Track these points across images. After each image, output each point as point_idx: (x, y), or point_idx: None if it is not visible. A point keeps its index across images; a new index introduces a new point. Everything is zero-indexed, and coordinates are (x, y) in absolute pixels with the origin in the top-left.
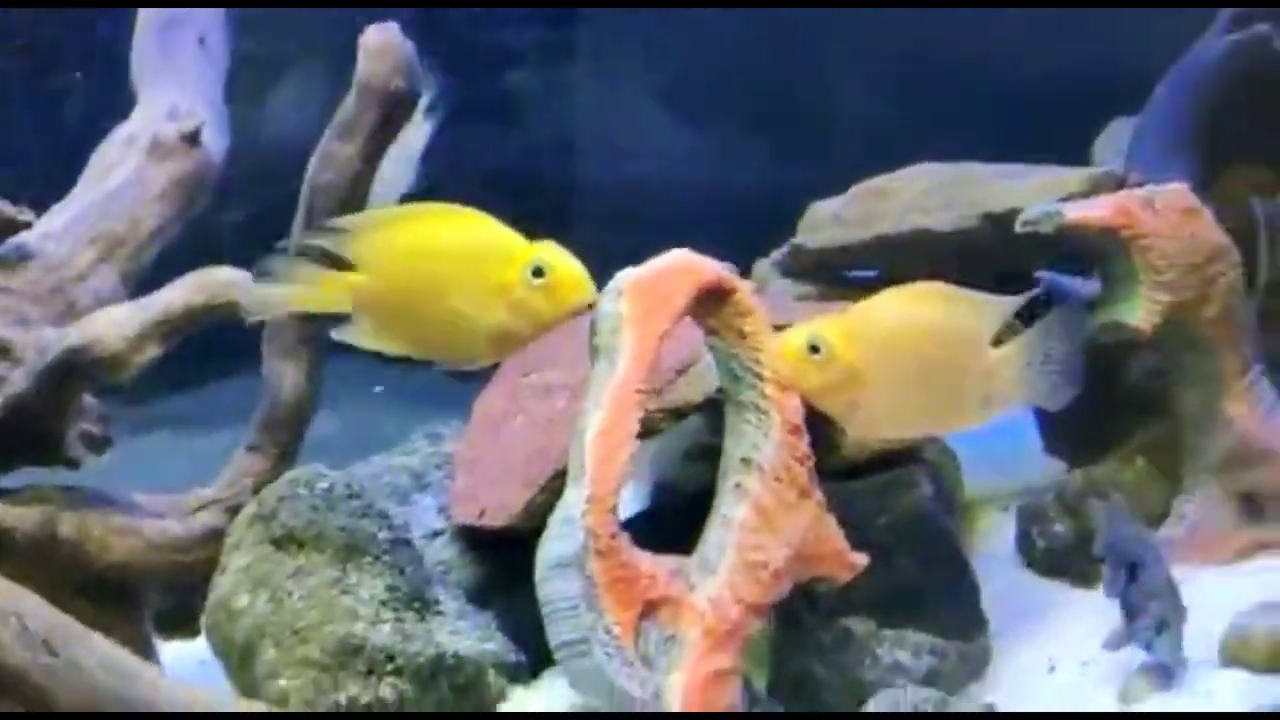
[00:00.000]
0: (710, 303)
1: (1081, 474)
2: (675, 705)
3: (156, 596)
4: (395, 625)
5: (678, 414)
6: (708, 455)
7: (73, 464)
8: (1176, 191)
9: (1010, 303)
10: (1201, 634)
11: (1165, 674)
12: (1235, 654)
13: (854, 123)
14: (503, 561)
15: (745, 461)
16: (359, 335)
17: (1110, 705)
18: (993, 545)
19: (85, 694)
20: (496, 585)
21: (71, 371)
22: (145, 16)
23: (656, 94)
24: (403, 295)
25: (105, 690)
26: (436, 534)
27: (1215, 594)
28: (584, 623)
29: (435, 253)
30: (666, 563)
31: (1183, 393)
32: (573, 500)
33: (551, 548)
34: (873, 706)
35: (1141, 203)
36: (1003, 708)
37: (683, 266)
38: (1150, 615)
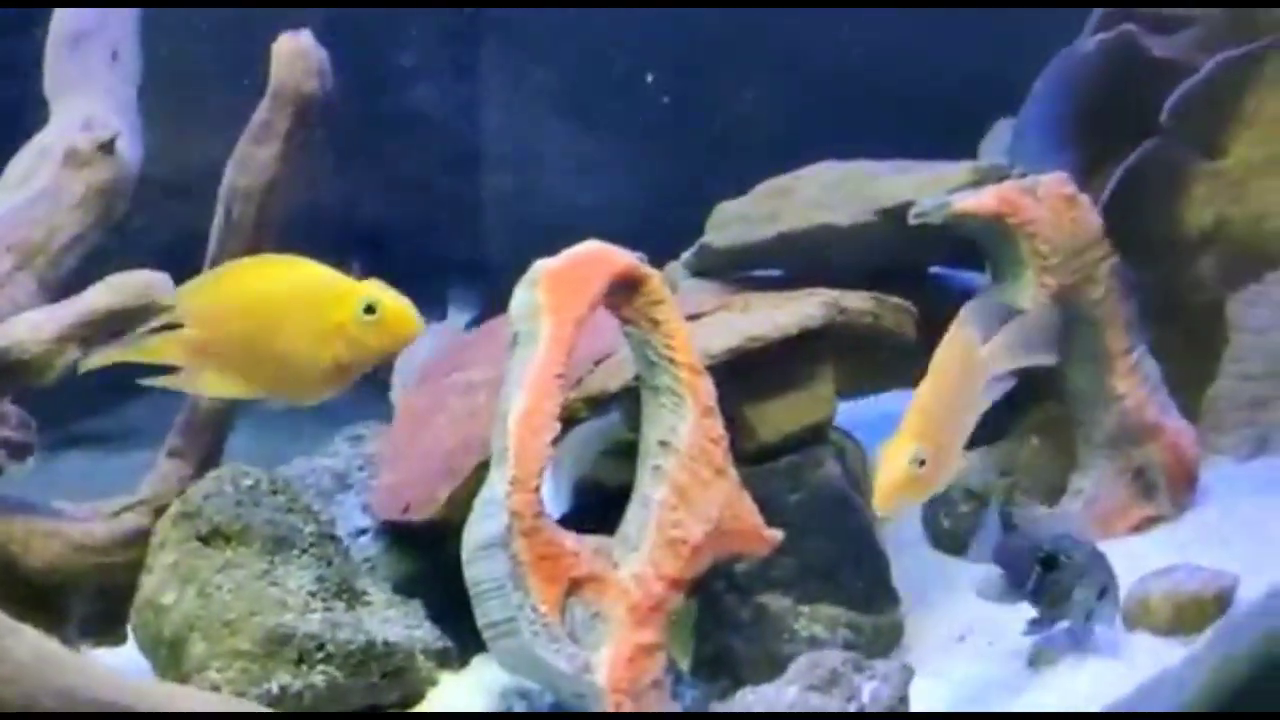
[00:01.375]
0: (624, 292)
1: (980, 456)
2: (603, 679)
3: (82, 603)
4: (324, 615)
5: (596, 402)
6: (627, 451)
7: None
8: (1056, 180)
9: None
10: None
11: (1072, 639)
12: (1137, 618)
13: (759, 124)
14: (428, 554)
15: (663, 444)
16: (191, 384)
17: (1020, 671)
18: (901, 527)
19: (16, 682)
20: (423, 577)
21: None
22: (57, 29)
23: (561, 104)
24: (235, 343)
25: (36, 677)
26: (362, 531)
27: (1114, 565)
28: (511, 602)
29: (266, 300)
30: (590, 542)
31: (1072, 372)
32: (496, 482)
33: (477, 529)
34: (793, 670)
35: (1024, 191)
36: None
37: (596, 256)
38: (1086, 589)
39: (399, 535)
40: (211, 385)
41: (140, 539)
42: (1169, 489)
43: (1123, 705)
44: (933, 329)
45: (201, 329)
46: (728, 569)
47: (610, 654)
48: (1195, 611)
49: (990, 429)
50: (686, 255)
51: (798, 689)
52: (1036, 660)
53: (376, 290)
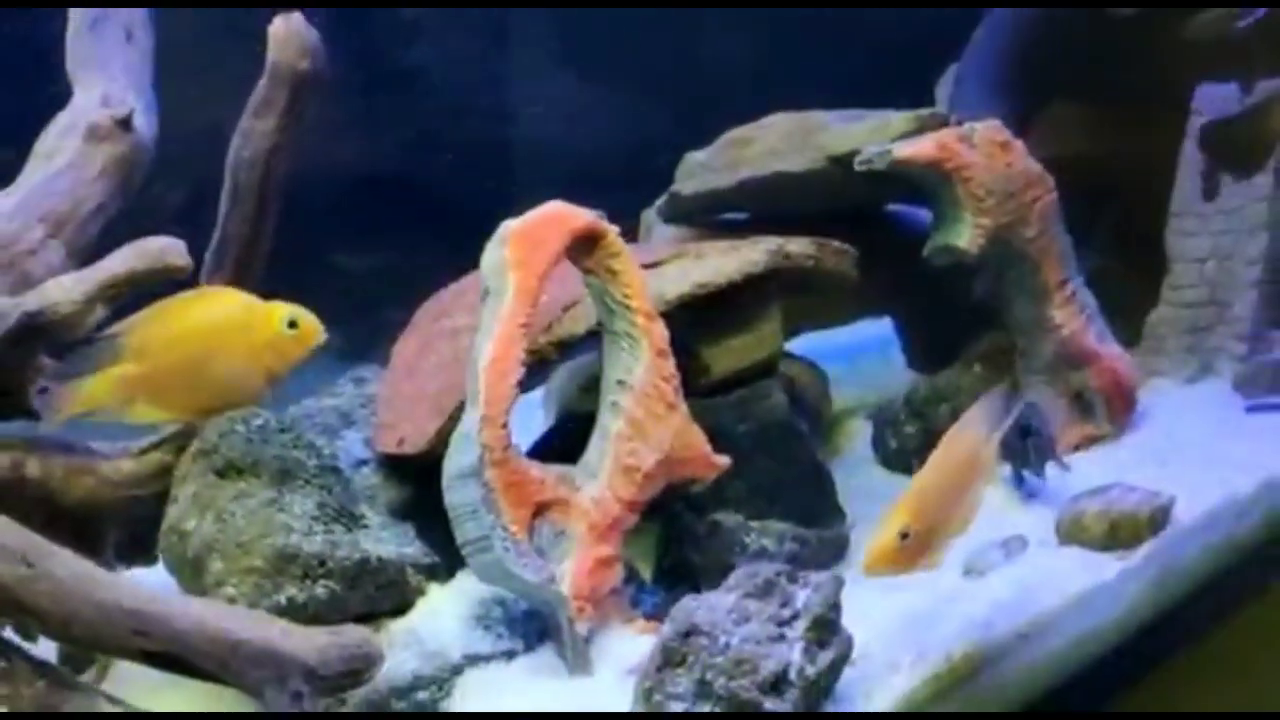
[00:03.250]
0: (585, 246)
1: (926, 381)
2: (567, 587)
3: (116, 531)
4: (325, 536)
5: (563, 345)
6: (599, 387)
7: (33, 416)
8: (991, 127)
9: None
10: (1040, 519)
11: (1006, 552)
12: (1070, 534)
13: (728, 78)
14: (421, 482)
15: (620, 383)
16: (136, 417)
17: (956, 578)
18: (855, 449)
19: (58, 598)
20: (416, 503)
21: (29, 334)
22: (76, 15)
23: (554, 59)
24: (178, 370)
25: (76, 594)
26: (363, 463)
27: (1052, 482)
28: (484, 523)
29: (201, 328)
30: (554, 470)
31: (1012, 304)
32: (470, 420)
33: (454, 461)
34: (733, 579)
35: (960, 138)
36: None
37: (556, 215)
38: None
39: (395, 466)
40: (146, 415)
41: (165, 474)
42: (1107, 411)
43: (1058, 614)
44: (887, 261)
45: (139, 364)
46: (685, 492)
47: (573, 566)
48: (1130, 529)
49: (938, 359)
50: (659, 202)
51: (736, 596)
52: (970, 569)
53: (292, 309)
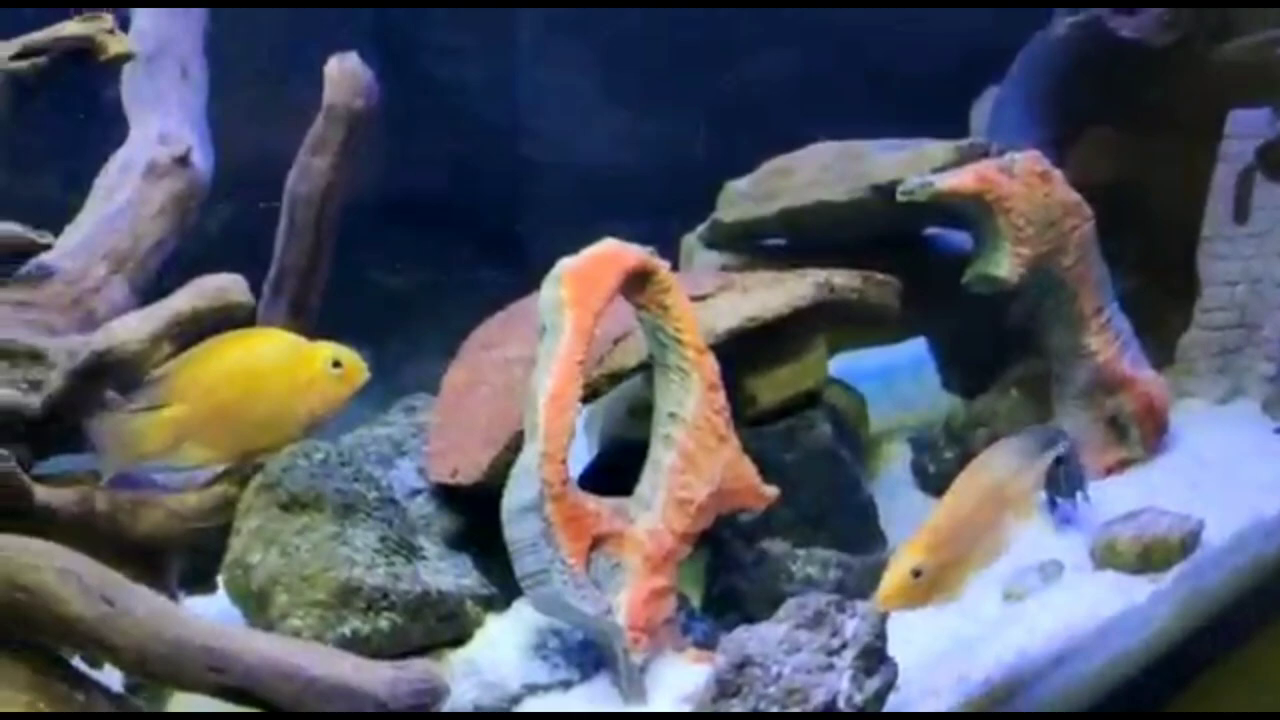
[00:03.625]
0: (637, 283)
1: (964, 406)
2: (623, 619)
3: (179, 561)
4: (387, 569)
5: (615, 377)
6: (647, 410)
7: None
8: (1031, 158)
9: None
10: (1075, 545)
11: (1043, 576)
12: (1104, 559)
13: (764, 104)
14: (475, 512)
15: (672, 416)
16: (185, 459)
17: (996, 603)
18: (894, 472)
19: (137, 634)
20: (471, 532)
21: (98, 371)
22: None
23: (597, 86)
24: (224, 411)
25: (153, 630)
26: (417, 492)
27: (1084, 508)
28: (544, 557)
29: (245, 369)
30: (609, 503)
31: (1049, 331)
32: (530, 455)
33: (514, 496)
34: (783, 611)
35: (1001, 170)
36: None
37: (611, 255)
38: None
39: (449, 495)
40: (194, 457)
41: (228, 507)
42: (1141, 434)
43: (1091, 637)
44: (925, 286)
45: (186, 406)
46: (733, 520)
47: (628, 598)
48: (1162, 553)
49: (974, 382)
50: (701, 229)
51: (787, 627)
52: (1009, 595)
53: (336, 349)
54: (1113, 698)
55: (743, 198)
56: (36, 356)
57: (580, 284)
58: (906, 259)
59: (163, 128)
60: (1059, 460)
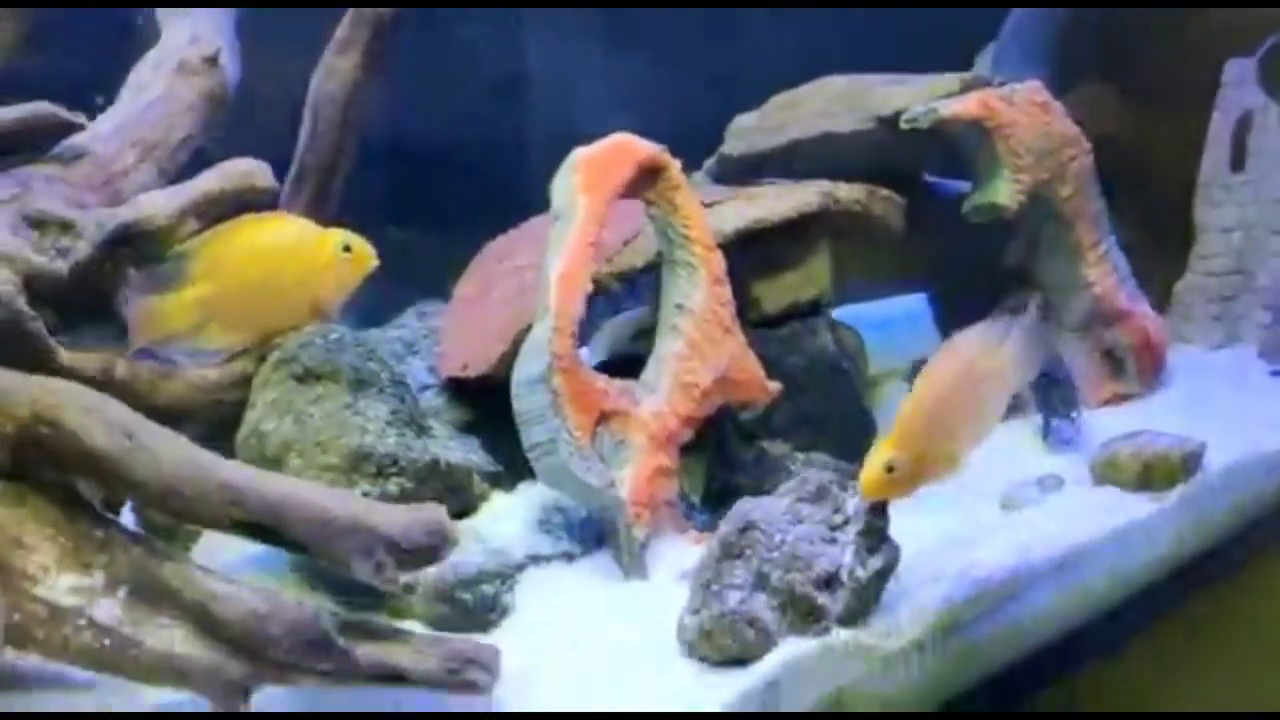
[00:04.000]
0: (648, 178)
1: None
2: (626, 492)
3: (196, 433)
4: (398, 438)
5: (624, 276)
6: (649, 334)
7: (124, 328)
8: (1031, 88)
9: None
10: (1073, 463)
11: (1042, 489)
12: (1104, 474)
13: (768, 59)
14: (482, 404)
15: (678, 307)
16: (208, 341)
17: (994, 512)
18: (889, 408)
19: (158, 469)
20: (478, 423)
21: (125, 241)
22: None
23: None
24: (244, 292)
25: (174, 465)
26: (427, 387)
27: (1083, 430)
28: (551, 427)
29: (262, 252)
30: (617, 383)
31: (1047, 262)
32: (540, 331)
33: (524, 369)
34: (785, 487)
35: (1001, 98)
36: (899, 523)
37: (624, 144)
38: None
39: (458, 389)
40: (217, 339)
41: (245, 382)
42: (1138, 368)
43: (1095, 547)
44: (924, 229)
45: (207, 286)
46: (735, 419)
47: (631, 473)
48: (1164, 470)
49: (971, 314)
50: (708, 164)
51: (790, 499)
52: (1007, 505)
53: (346, 234)
54: (1112, 614)
55: (750, 131)
56: (66, 226)
57: (594, 170)
58: (909, 196)
59: (193, 32)
60: (1051, 379)
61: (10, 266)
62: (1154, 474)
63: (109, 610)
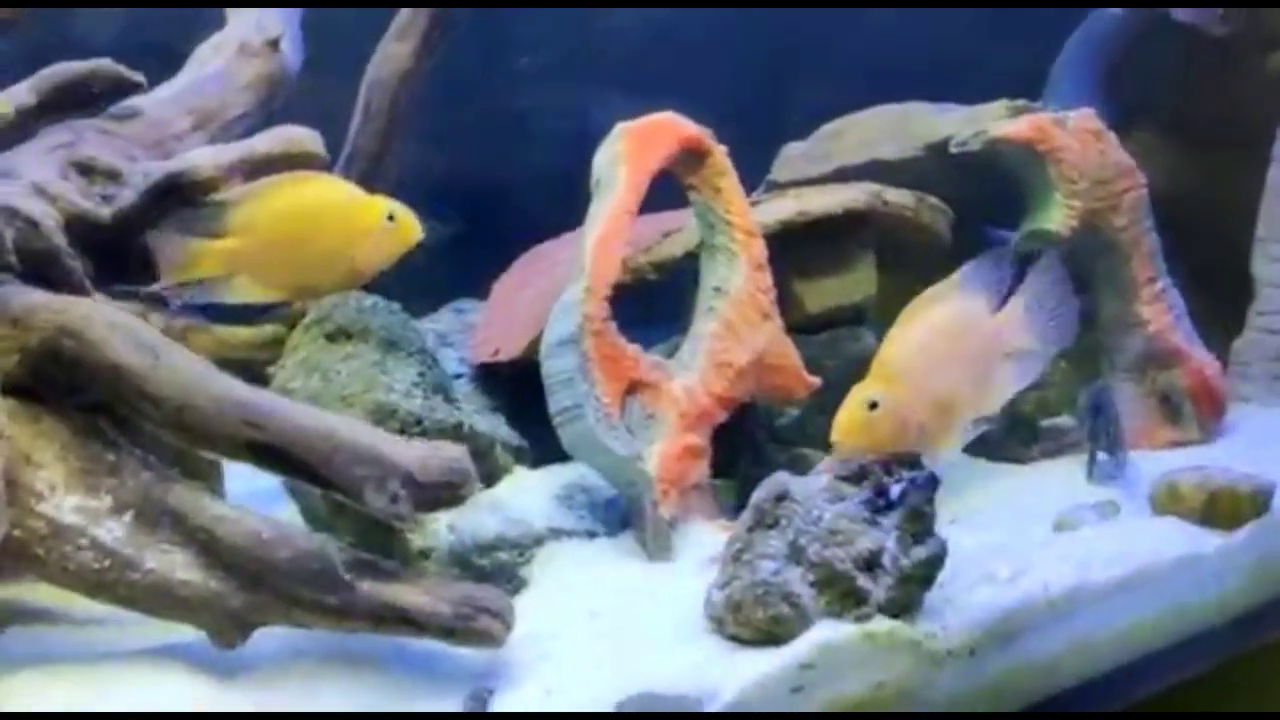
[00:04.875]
0: (692, 161)
1: None
2: (653, 468)
3: None
4: (424, 400)
5: (663, 266)
6: None
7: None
8: (1085, 115)
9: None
10: (1131, 496)
11: (1099, 514)
12: (1165, 504)
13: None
14: (511, 391)
15: (716, 290)
16: (235, 293)
17: (1046, 531)
18: None
19: (178, 385)
20: (506, 409)
21: (170, 191)
22: None
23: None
24: (278, 247)
25: (194, 383)
26: (458, 376)
27: (1138, 469)
28: (578, 391)
29: (303, 210)
30: (650, 356)
31: (1099, 298)
32: (573, 292)
33: (554, 329)
34: (823, 464)
35: (1054, 122)
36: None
37: (668, 121)
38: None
39: (488, 377)
40: (244, 291)
41: (277, 344)
42: (1197, 414)
43: (1161, 573)
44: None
45: (242, 238)
46: (770, 423)
47: (660, 449)
48: (1229, 504)
49: None
50: (756, 194)
51: (829, 478)
52: (1061, 525)
53: (392, 203)
54: (1177, 647)
55: (798, 158)
56: (114, 175)
57: (637, 142)
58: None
59: (258, 19)
60: (1096, 409)
61: (54, 205)
62: (1219, 508)
63: (112, 532)
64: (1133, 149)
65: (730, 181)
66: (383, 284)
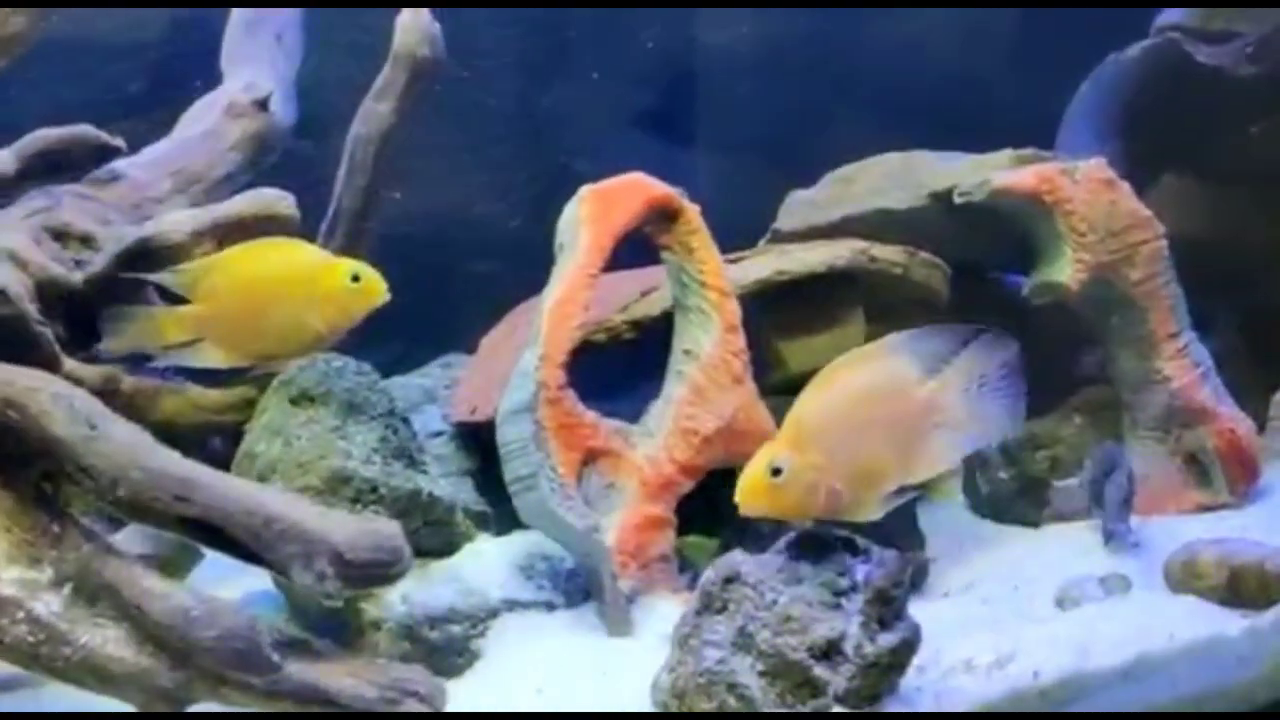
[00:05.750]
0: (664, 221)
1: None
2: (612, 539)
3: (194, 450)
4: (382, 466)
5: (639, 325)
6: None
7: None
8: (1095, 165)
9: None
10: (1145, 568)
11: (1105, 589)
12: (1181, 580)
13: (828, 132)
14: (488, 452)
15: (687, 352)
16: (202, 358)
17: (1047, 606)
18: (947, 496)
19: (114, 459)
20: (483, 469)
21: (141, 256)
22: (234, 17)
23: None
24: (239, 315)
25: (129, 456)
26: (438, 434)
27: (1160, 537)
28: (532, 460)
29: (265, 275)
30: (610, 423)
31: (1117, 354)
32: (528, 358)
33: (509, 397)
34: (783, 541)
35: (1061, 172)
36: (937, 612)
37: (634, 182)
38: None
39: (466, 436)
40: (210, 357)
41: (247, 406)
42: (1226, 476)
43: (1169, 664)
44: (985, 317)
45: (207, 305)
46: None
47: (620, 520)
48: (1255, 582)
49: (1034, 402)
50: (762, 242)
51: (786, 557)
52: (1063, 600)
53: (356, 264)
54: None
55: (805, 206)
56: (87, 240)
57: (600, 203)
58: (966, 286)
59: (250, 79)
60: (1105, 472)
61: (25, 271)
62: (1243, 585)
63: (49, 605)
64: (1165, 195)
65: (703, 241)
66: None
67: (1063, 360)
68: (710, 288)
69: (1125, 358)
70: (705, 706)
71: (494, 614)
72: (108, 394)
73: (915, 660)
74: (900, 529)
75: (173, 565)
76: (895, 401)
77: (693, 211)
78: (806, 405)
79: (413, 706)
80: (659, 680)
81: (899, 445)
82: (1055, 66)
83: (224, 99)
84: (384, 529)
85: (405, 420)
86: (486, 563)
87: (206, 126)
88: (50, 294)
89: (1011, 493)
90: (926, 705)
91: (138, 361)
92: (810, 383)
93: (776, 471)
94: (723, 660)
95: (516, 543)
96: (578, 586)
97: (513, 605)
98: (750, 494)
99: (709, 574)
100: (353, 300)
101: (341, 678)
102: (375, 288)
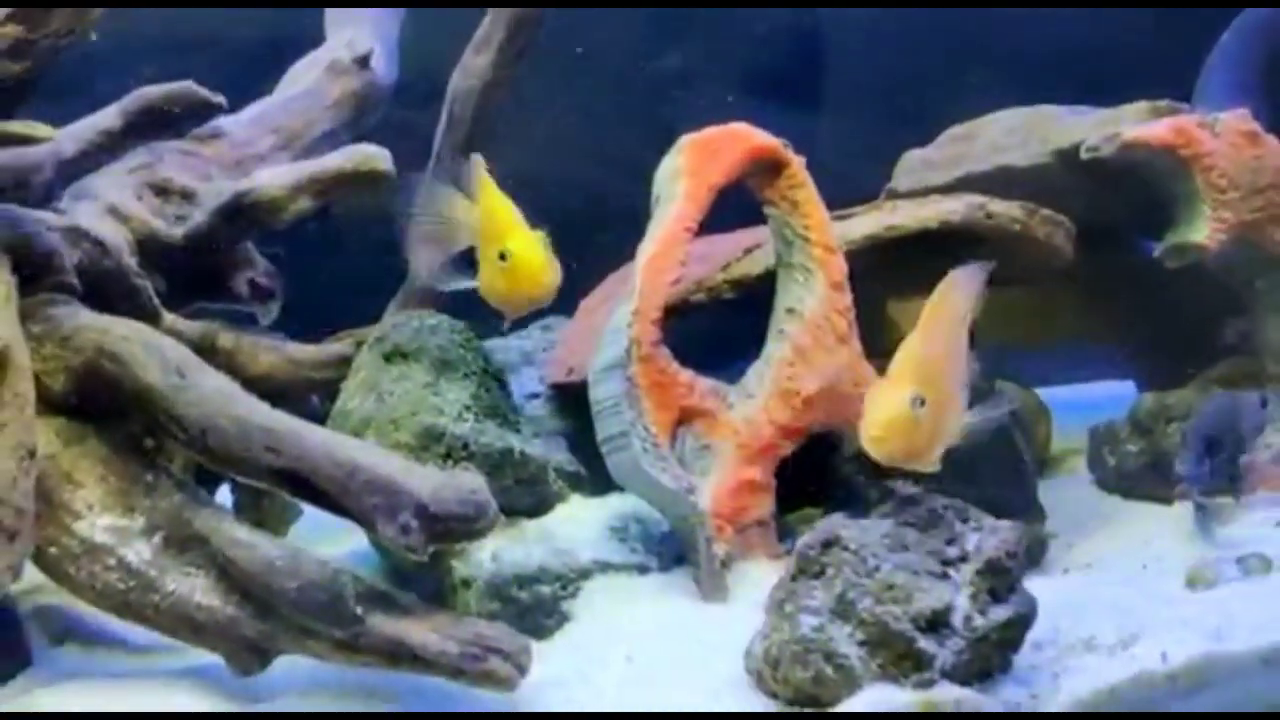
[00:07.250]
0: (767, 174)
1: (1154, 396)
2: (707, 504)
3: (289, 405)
4: (474, 424)
5: (739, 284)
6: None
7: (238, 299)
8: (1238, 116)
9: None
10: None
11: (1244, 569)
12: None
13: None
14: (585, 413)
15: (789, 311)
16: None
17: (1177, 586)
18: (1071, 468)
19: (203, 408)
20: (579, 430)
21: (239, 211)
22: None
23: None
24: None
25: (218, 406)
26: (534, 396)
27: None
28: (625, 419)
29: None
30: (706, 381)
31: (1261, 319)
32: (621, 314)
33: (602, 353)
34: (890, 506)
35: (1200, 124)
36: (1056, 588)
37: (736, 131)
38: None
39: (563, 397)
40: None
41: (343, 363)
42: None
43: None
44: (1115, 282)
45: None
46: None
47: (715, 483)
48: None
49: (1168, 372)
50: (876, 202)
51: (892, 523)
52: (1194, 580)
53: (520, 241)
54: None
55: (922, 165)
56: (188, 195)
57: (699, 154)
58: (1095, 250)
59: (352, 37)
60: (1209, 444)
61: (126, 225)
62: None
63: (140, 553)
64: None
65: (808, 195)
66: None
67: (1202, 330)
68: (815, 243)
69: (1274, 325)
70: (800, 675)
71: (585, 575)
72: (206, 349)
73: (1030, 636)
74: (1018, 502)
75: (273, 520)
76: (963, 340)
77: (797, 164)
78: (920, 346)
79: (495, 664)
80: (752, 647)
81: (963, 388)
82: (1194, 14)
83: (326, 57)
84: (469, 483)
85: (499, 379)
86: (579, 523)
87: (307, 85)
88: (151, 249)
89: (1141, 467)
90: (1043, 684)
91: (237, 319)
92: (922, 318)
93: (921, 401)
94: (820, 628)
95: (611, 504)
96: (672, 550)
97: (605, 567)
98: (888, 429)
99: (806, 538)
100: (497, 280)
101: (425, 633)
102: (524, 276)
